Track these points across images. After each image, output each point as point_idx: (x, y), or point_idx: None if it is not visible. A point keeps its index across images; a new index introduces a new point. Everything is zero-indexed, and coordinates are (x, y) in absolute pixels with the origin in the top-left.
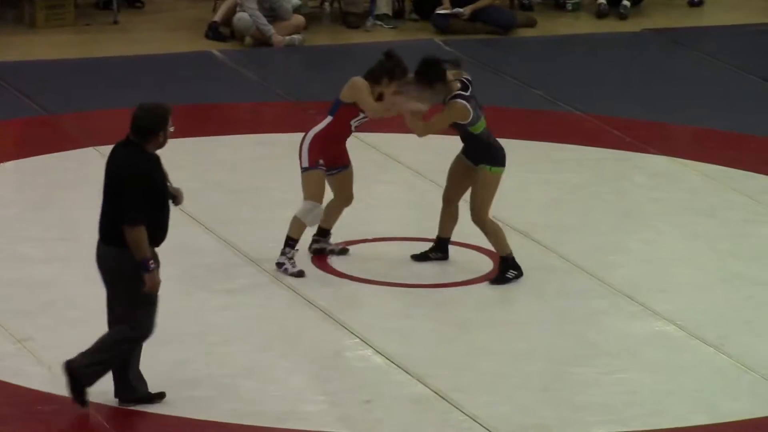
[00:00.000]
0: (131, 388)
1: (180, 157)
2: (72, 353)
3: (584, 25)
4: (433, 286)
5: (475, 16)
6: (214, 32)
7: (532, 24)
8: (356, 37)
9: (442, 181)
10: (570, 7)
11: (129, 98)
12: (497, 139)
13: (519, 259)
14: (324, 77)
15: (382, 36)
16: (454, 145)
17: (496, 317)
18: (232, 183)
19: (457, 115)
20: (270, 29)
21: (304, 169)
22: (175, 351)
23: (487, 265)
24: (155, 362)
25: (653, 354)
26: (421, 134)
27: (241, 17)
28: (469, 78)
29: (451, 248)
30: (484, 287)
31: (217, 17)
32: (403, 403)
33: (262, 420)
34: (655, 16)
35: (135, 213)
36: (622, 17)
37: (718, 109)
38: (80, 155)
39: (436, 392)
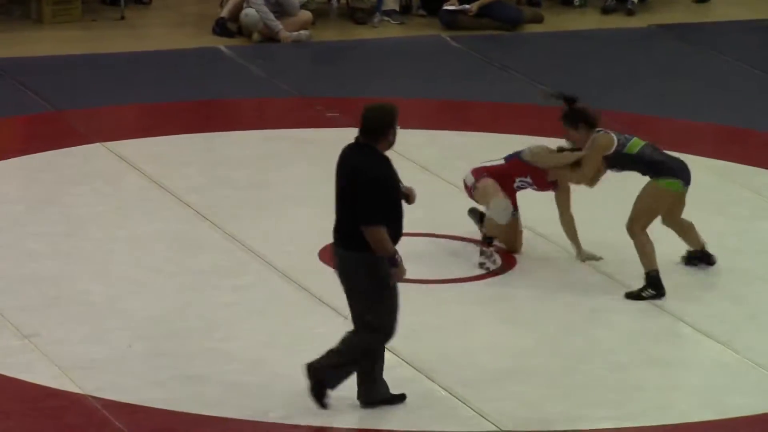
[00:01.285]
0: (376, 390)
1: (187, 153)
2: (79, 348)
3: (591, 20)
4: (439, 281)
5: (482, 12)
6: (221, 28)
7: (539, 20)
8: (363, 33)
9: (448, 175)
10: (577, 3)
11: (136, 94)
12: (668, 153)
13: (525, 254)
14: (331, 73)
15: (390, 32)
16: (462, 141)
17: (502, 313)
18: (239, 179)
19: (604, 146)
20: (277, 25)
21: (472, 188)
22: (181, 346)
23: (493, 262)
24: (161, 358)
25: (660, 350)
26: (591, 184)
27: (249, 13)
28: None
29: (457, 244)
30: (491, 283)
31: (224, 13)
32: (410, 399)
33: (268, 416)
34: (661, 12)
35: (375, 214)
36: (630, 13)
37: (724, 104)
38: (87, 151)
39: (443, 388)
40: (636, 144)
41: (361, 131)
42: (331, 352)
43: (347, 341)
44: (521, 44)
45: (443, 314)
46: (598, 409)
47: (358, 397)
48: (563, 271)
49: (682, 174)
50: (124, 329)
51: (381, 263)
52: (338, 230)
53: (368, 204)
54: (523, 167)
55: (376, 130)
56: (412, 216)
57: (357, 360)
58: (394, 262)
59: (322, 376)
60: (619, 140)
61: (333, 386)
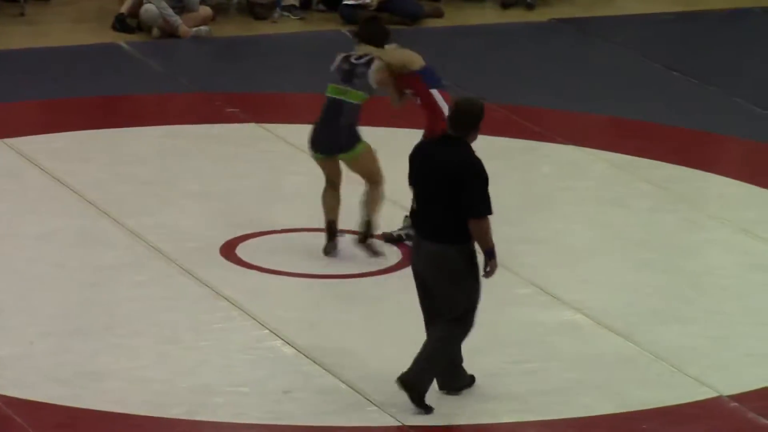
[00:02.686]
0: (459, 377)
1: (88, 149)
2: None
3: (492, 15)
4: (341, 276)
5: (382, 7)
6: (121, 24)
7: (439, 14)
8: (264, 28)
9: None
10: None
11: (36, 91)
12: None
13: None
14: (232, 68)
15: (290, 27)
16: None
17: (403, 306)
18: (140, 175)
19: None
20: (177, 20)
21: None
22: (84, 343)
23: (395, 255)
24: (65, 354)
25: (562, 343)
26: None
27: (148, 9)
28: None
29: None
30: (391, 277)
31: (124, 9)
32: (313, 394)
33: (173, 412)
34: (561, 6)
35: (484, 205)
36: (530, 7)
37: (625, 98)
38: None
39: (344, 382)
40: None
41: (454, 125)
42: (423, 361)
43: (437, 343)
44: (421, 39)
45: (344, 309)
46: (500, 404)
47: (442, 387)
48: None
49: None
50: (26, 325)
51: (475, 255)
52: (429, 225)
53: (478, 196)
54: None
55: (469, 123)
56: (312, 211)
57: (446, 357)
58: (493, 254)
59: (422, 387)
60: None
61: (427, 389)
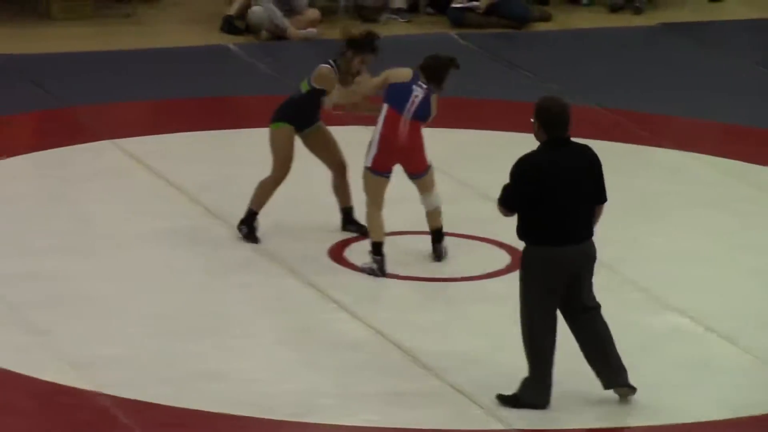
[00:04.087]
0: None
1: (196, 151)
2: (90, 346)
3: (599, 19)
4: (448, 279)
5: (490, 10)
6: (229, 26)
7: (547, 18)
8: None
9: (456, 172)
10: (585, 1)
11: (145, 91)
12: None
13: None
14: None
15: (398, 29)
16: (468, 138)
17: (514, 312)
18: (247, 176)
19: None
20: (285, 23)
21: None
22: (192, 344)
23: (504, 259)
24: (171, 355)
25: (669, 348)
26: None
27: (256, 11)
28: None
29: (466, 242)
30: (499, 281)
31: (233, 11)
32: (420, 397)
33: (279, 414)
34: (669, 11)
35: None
36: (637, 11)
37: (733, 103)
38: (96, 148)
39: (453, 386)
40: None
41: (566, 129)
42: (608, 343)
43: (604, 328)
44: (529, 42)
45: (453, 313)
46: (607, 409)
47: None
48: None
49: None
50: (134, 326)
51: None
52: (580, 226)
53: (603, 180)
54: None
55: (569, 122)
56: (421, 213)
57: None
58: None
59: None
60: None
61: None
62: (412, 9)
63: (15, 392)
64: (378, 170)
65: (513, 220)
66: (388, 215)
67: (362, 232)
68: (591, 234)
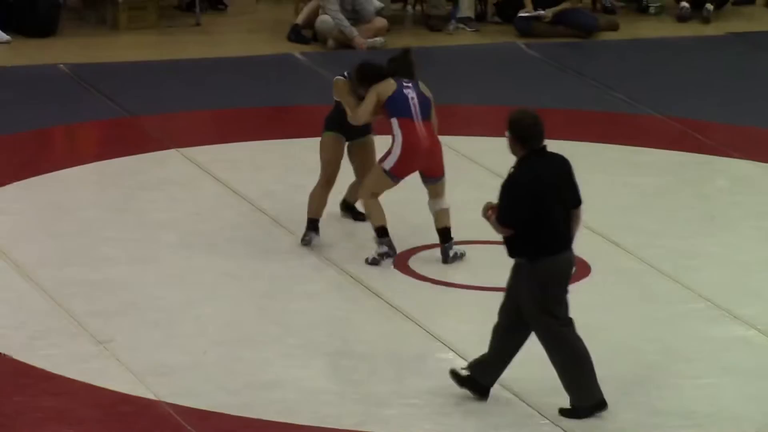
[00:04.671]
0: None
1: (262, 159)
2: (153, 354)
3: (667, 28)
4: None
5: (557, 19)
6: (296, 34)
7: (614, 27)
8: (438, 40)
9: None
10: (652, 11)
11: (210, 100)
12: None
13: (599, 262)
14: None
15: (465, 39)
16: None
17: (577, 321)
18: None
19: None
20: (352, 31)
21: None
22: (255, 353)
23: None
24: (235, 364)
25: (734, 358)
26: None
27: (324, 20)
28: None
29: None
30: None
31: (300, 19)
32: (483, 406)
33: (342, 423)
34: (737, 20)
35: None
36: (705, 21)
37: None
38: (162, 157)
39: (517, 395)
40: None
41: (541, 140)
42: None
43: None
44: (596, 51)
45: None
46: (671, 419)
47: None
48: (637, 278)
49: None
50: (198, 335)
51: None
52: (568, 233)
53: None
54: None
55: (543, 133)
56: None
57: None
58: None
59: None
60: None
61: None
62: (480, 18)
63: (78, 401)
64: (396, 175)
65: (581, 232)
66: (456, 224)
67: (358, 218)
68: (572, 240)
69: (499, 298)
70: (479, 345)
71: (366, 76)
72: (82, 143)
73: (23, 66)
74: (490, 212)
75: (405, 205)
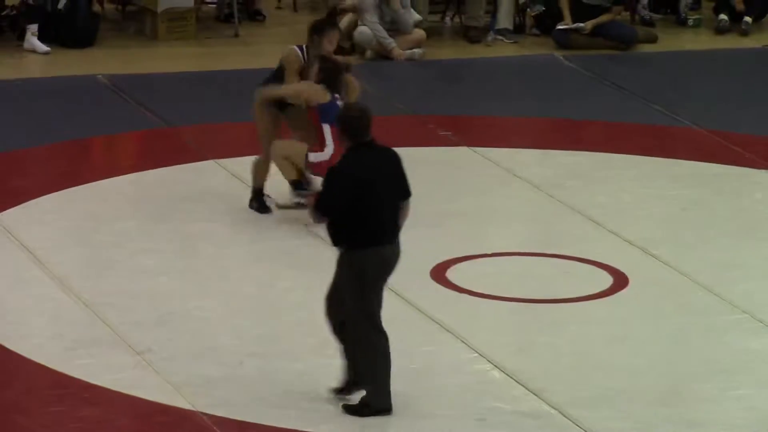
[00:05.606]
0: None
1: None
2: (191, 365)
3: (705, 40)
4: (550, 301)
5: (596, 32)
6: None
7: (653, 39)
8: (477, 52)
9: (561, 194)
10: (691, 23)
11: (249, 111)
12: None
13: (638, 274)
14: (445, 91)
15: (503, 50)
16: (574, 160)
17: (614, 333)
18: None
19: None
20: (391, 42)
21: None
22: (292, 363)
23: (605, 281)
24: (272, 374)
25: None
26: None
27: (362, 31)
28: None
29: (569, 263)
30: (601, 303)
31: None
32: (521, 418)
33: None
34: None
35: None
36: (743, 33)
37: None
38: (200, 168)
39: (554, 407)
40: None
41: (367, 133)
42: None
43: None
44: (635, 63)
45: (553, 334)
46: (709, 430)
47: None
48: (675, 290)
49: None
50: (236, 346)
51: None
52: (394, 226)
53: (406, 176)
54: None
55: (370, 126)
56: (524, 235)
57: None
58: None
59: None
60: None
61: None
62: (518, 30)
63: (115, 411)
64: (315, 172)
65: (611, 242)
66: (493, 236)
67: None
68: (399, 232)
69: (534, 309)
70: (515, 356)
71: (328, 76)
72: (119, 154)
73: (62, 77)
74: (310, 198)
75: (444, 217)
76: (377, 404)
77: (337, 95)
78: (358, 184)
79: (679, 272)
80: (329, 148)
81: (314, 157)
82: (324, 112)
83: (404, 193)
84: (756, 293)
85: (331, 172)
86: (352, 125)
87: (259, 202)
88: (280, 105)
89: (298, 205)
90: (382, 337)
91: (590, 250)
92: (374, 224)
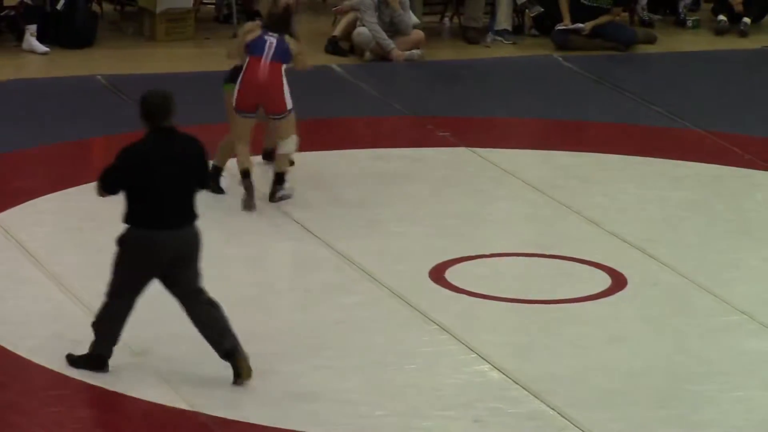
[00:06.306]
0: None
1: (299, 171)
2: (190, 365)
3: (704, 41)
4: (549, 302)
5: (595, 33)
6: (333, 46)
7: (652, 40)
8: (476, 53)
9: (560, 195)
10: (690, 24)
11: None
12: None
13: (637, 275)
14: (443, 92)
15: (502, 51)
16: (573, 161)
17: (613, 333)
18: (350, 197)
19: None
20: (390, 44)
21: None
22: (292, 364)
23: (604, 282)
24: (272, 375)
25: None
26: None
27: (361, 32)
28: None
29: (568, 264)
30: (600, 303)
31: (337, 32)
32: (520, 419)
33: None
34: None
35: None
36: (742, 34)
37: None
38: None
39: (553, 408)
40: None
41: (167, 118)
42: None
43: (215, 307)
44: (634, 64)
45: (552, 335)
46: (708, 430)
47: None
48: (674, 291)
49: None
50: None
51: None
52: (181, 213)
53: (207, 168)
54: None
55: (171, 113)
56: (522, 235)
57: None
58: None
59: None
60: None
61: None
62: (517, 31)
63: (114, 411)
64: (239, 109)
65: (610, 243)
66: (492, 237)
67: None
68: (193, 219)
69: (533, 309)
70: (514, 356)
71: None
72: None
73: (61, 77)
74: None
75: (443, 218)
76: (88, 365)
77: (272, 33)
78: (141, 167)
79: (679, 273)
80: (239, 81)
81: (233, 101)
82: (250, 45)
83: (199, 183)
84: (755, 294)
85: (122, 150)
86: (151, 110)
87: (216, 181)
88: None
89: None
90: (123, 317)
91: (589, 250)
92: (155, 208)
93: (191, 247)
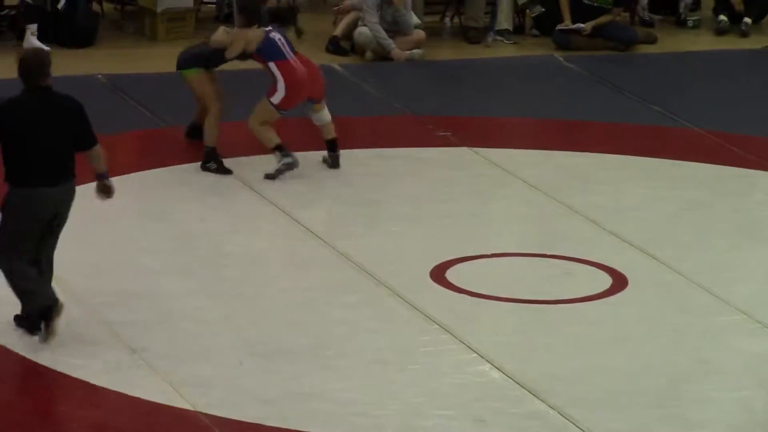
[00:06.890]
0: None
1: (300, 170)
2: (189, 364)
3: (705, 41)
4: (550, 302)
5: (595, 32)
6: (334, 46)
7: (652, 40)
8: (477, 52)
9: (560, 195)
10: (691, 24)
11: (248, 111)
12: None
13: (637, 275)
14: (444, 92)
15: (503, 51)
16: (574, 161)
17: (613, 333)
18: (350, 197)
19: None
20: (390, 43)
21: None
22: (291, 364)
23: (604, 282)
24: (271, 375)
25: None
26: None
27: (362, 32)
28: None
29: (568, 264)
30: (601, 303)
31: (338, 31)
32: (520, 419)
33: None
34: None
35: (94, 134)
36: (743, 34)
37: None
38: (199, 168)
39: (553, 408)
40: None
41: (42, 78)
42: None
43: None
44: (634, 64)
45: (552, 334)
46: (708, 430)
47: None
48: (674, 291)
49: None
50: (233, 346)
51: None
52: (57, 170)
53: (90, 126)
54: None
55: (46, 73)
56: (522, 235)
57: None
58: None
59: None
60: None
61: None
62: (518, 31)
63: (114, 411)
64: (283, 109)
65: (611, 243)
66: (493, 236)
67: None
68: (70, 177)
69: (534, 309)
70: (515, 356)
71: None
72: (119, 153)
73: (61, 76)
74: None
75: (444, 218)
76: (39, 305)
77: (268, 28)
78: (14, 123)
79: (679, 273)
80: (280, 83)
81: (275, 99)
82: (263, 51)
83: (86, 143)
84: (755, 294)
85: None
86: (28, 68)
87: (217, 162)
88: (207, 65)
89: (288, 166)
90: (28, 273)
91: (589, 250)
92: (27, 165)
93: (67, 206)
